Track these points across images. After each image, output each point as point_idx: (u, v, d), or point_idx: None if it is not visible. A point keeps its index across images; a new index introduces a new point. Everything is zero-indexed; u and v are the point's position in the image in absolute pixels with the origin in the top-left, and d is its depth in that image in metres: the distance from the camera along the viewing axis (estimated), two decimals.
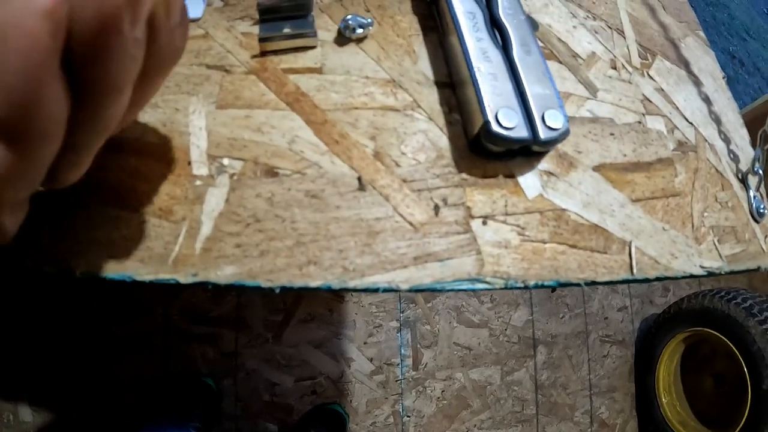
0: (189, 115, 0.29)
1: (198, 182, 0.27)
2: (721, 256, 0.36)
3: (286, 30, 0.31)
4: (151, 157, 0.28)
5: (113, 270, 0.25)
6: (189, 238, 0.26)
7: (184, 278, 0.25)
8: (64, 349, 0.91)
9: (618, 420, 1.08)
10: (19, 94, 0.10)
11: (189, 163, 0.28)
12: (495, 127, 0.26)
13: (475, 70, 0.28)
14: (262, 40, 0.30)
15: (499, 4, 0.32)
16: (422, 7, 0.35)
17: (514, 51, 0.30)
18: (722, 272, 0.36)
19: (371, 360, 1.01)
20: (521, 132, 0.27)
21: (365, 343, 1.01)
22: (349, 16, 0.32)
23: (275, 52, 0.31)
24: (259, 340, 0.97)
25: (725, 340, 0.94)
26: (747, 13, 1.80)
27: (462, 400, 1.03)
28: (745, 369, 0.90)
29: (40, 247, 0.25)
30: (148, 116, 0.29)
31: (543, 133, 0.27)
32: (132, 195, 0.27)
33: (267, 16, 0.31)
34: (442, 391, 1.02)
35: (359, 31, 0.31)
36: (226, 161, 0.28)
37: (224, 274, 0.25)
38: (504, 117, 0.26)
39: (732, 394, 0.98)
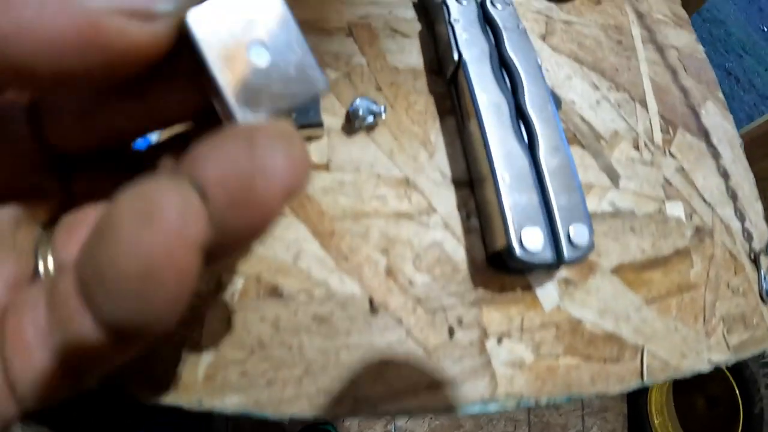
0: None
1: (196, 302, 0.25)
2: (728, 347, 0.35)
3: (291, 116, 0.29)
4: None
5: (115, 392, 0.24)
6: (191, 365, 0.24)
7: (189, 405, 0.23)
8: None
9: None
10: (155, 316, 0.10)
11: None
12: (519, 252, 0.25)
13: (500, 179, 0.26)
14: None
15: (525, 91, 0.30)
16: (439, 85, 0.33)
17: (541, 151, 0.28)
18: (728, 364, 0.35)
19: None
20: (546, 255, 0.25)
21: None
22: (358, 101, 0.29)
23: None
24: None
25: None
26: (743, 30, 1.78)
27: (454, 420, 1.04)
28: (738, 392, 0.91)
29: None
30: None
31: (568, 253, 0.26)
32: None
33: None
34: None
35: (370, 119, 0.29)
36: (224, 277, 0.26)
37: (230, 402, 0.23)
38: (528, 239, 0.25)
39: (724, 417, 0.99)
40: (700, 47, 0.49)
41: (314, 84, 0.13)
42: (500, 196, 0.26)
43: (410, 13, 0.35)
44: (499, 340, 0.27)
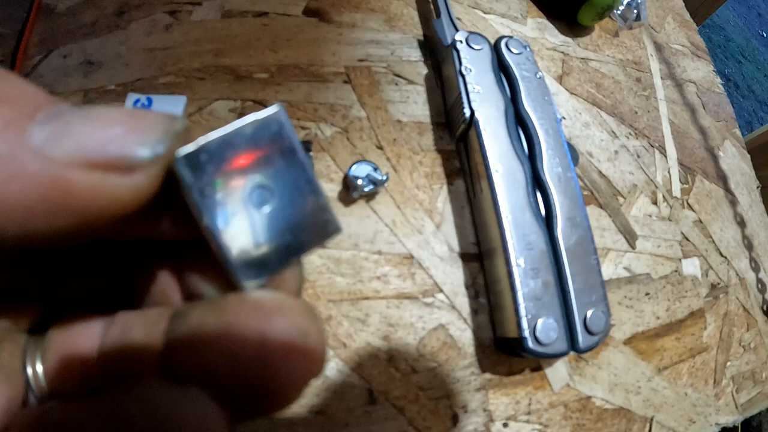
0: None
1: None
2: (737, 407, 0.34)
3: None
4: None
5: None
6: None
7: None
8: None
9: None
10: None
11: None
12: (532, 345, 0.23)
13: (512, 262, 0.24)
14: None
15: (544, 157, 0.27)
16: (447, 141, 0.30)
17: (558, 227, 0.26)
18: (735, 425, 0.34)
19: None
20: (560, 346, 0.23)
21: None
22: (355, 167, 0.26)
23: None
24: None
25: None
26: (743, 36, 1.75)
27: None
28: None
29: None
30: None
31: (583, 342, 0.24)
32: None
33: None
34: None
35: (370, 188, 0.26)
36: None
37: None
38: (542, 332, 0.23)
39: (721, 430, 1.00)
40: (718, 80, 0.46)
41: (326, 230, 0.11)
42: (513, 280, 0.24)
43: (415, 53, 0.32)
44: (505, 424, 0.25)
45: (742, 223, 0.40)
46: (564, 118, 0.34)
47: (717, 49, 1.67)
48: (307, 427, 0.23)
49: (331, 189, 0.26)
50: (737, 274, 0.37)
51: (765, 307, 0.38)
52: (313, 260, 0.25)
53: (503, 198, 0.25)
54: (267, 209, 0.10)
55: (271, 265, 0.10)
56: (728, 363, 0.34)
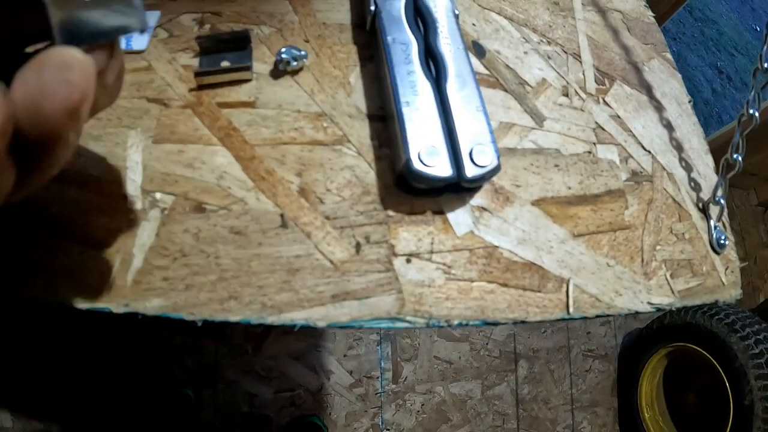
0: (127, 149, 0.29)
1: (131, 216, 0.27)
2: (673, 291, 0.34)
3: (225, 63, 0.30)
4: (90, 189, 0.28)
5: (53, 297, 0.25)
6: (122, 270, 0.26)
7: (116, 308, 0.25)
8: (43, 357, 0.91)
9: None
10: None
11: (125, 197, 0.27)
12: (417, 165, 0.25)
13: (402, 104, 0.27)
14: (197, 74, 0.29)
15: (438, 34, 0.31)
16: (363, 36, 0.34)
17: (448, 83, 0.29)
18: (673, 308, 0.34)
19: (351, 373, 1.00)
20: (444, 170, 0.26)
21: (345, 355, 1.00)
22: (283, 49, 0.31)
23: (212, 86, 0.30)
24: (238, 351, 0.96)
25: (708, 355, 0.93)
26: (735, 29, 1.79)
27: (442, 413, 1.02)
28: (728, 384, 0.89)
29: None
30: (89, 149, 0.29)
31: (469, 171, 0.26)
32: (71, 226, 0.27)
33: (206, 49, 0.31)
34: (422, 405, 1.01)
35: (294, 63, 0.30)
36: (158, 196, 0.27)
37: (152, 306, 0.25)
38: (427, 155, 0.25)
39: (714, 409, 0.97)
40: (650, 13, 0.49)
41: (130, 20, 0.16)
42: (402, 119, 0.26)
43: None
44: (408, 260, 0.27)
45: (669, 127, 0.41)
46: (474, 24, 0.38)
47: (710, 42, 1.70)
48: (226, 244, 0.26)
49: (264, 68, 0.31)
50: (663, 168, 0.38)
51: (701, 205, 0.39)
52: (244, 117, 0.29)
53: (396, 61, 0.29)
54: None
55: (85, 38, 0.15)
56: (658, 247, 0.35)
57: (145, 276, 0.25)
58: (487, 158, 0.26)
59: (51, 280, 0.25)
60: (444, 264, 0.27)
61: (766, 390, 0.83)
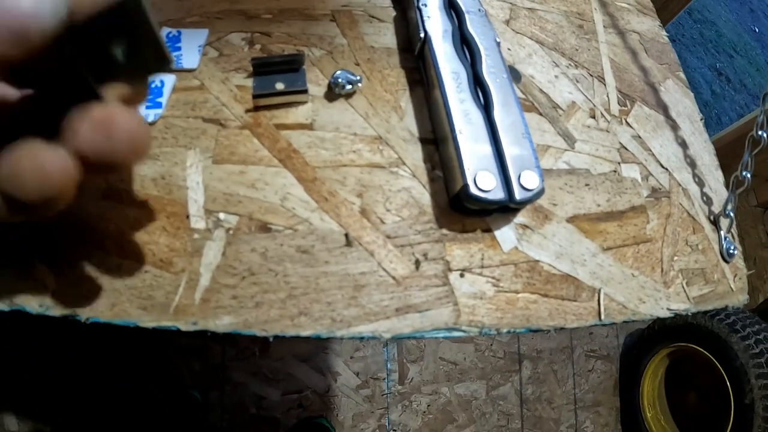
0: (186, 168, 0.31)
1: (196, 236, 0.29)
2: (688, 298, 0.39)
3: (279, 85, 0.33)
4: (150, 209, 0.30)
5: (117, 316, 0.27)
6: (188, 289, 0.28)
7: (184, 326, 0.27)
8: (49, 359, 0.93)
9: None
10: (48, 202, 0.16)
11: (187, 217, 0.30)
12: (473, 190, 0.29)
13: (457, 132, 0.30)
14: (255, 96, 0.33)
15: (483, 63, 0.34)
16: (410, 61, 0.37)
17: (495, 111, 0.32)
18: (689, 313, 0.39)
19: (357, 374, 1.04)
20: (498, 194, 0.29)
21: (352, 357, 1.04)
22: (338, 72, 0.34)
23: (268, 107, 0.33)
24: (246, 353, 0.99)
25: (709, 355, 0.98)
26: (734, 31, 1.86)
27: (447, 414, 1.06)
28: (728, 384, 0.94)
29: (44, 293, 0.27)
30: (147, 169, 0.31)
31: (519, 194, 0.30)
32: (133, 245, 0.29)
33: (260, 70, 0.34)
34: (428, 406, 1.06)
35: (348, 87, 0.34)
36: (222, 216, 0.30)
37: (222, 323, 0.27)
38: (482, 180, 0.29)
39: (715, 409, 1.02)
40: (664, 33, 0.54)
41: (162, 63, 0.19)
42: (458, 146, 0.30)
43: (386, 2, 0.40)
44: (462, 274, 0.31)
45: (683, 145, 0.46)
46: (509, 49, 0.42)
47: (709, 44, 1.77)
48: (294, 262, 0.29)
49: (318, 90, 0.34)
50: (679, 184, 0.43)
51: (712, 218, 0.44)
52: (303, 139, 0.32)
53: (451, 92, 0.32)
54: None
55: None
56: (675, 257, 0.39)
57: (213, 294, 0.28)
58: (533, 182, 0.30)
59: (115, 300, 0.27)
60: (493, 277, 0.31)
61: (766, 389, 0.88)
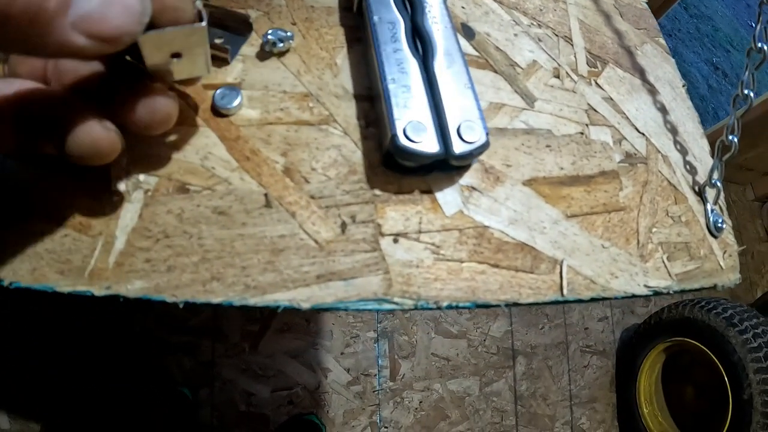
0: None
1: (115, 198, 0.26)
2: (670, 274, 0.33)
3: (218, 40, 0.30)
4: (73, 172, 0.27)
5: (37, 281, 0.25)
6: (104, 252, 0.25)
7: (98, 291, 0.24)
8: (40, 358, 0.90)
9: (599, 430, 1.05)
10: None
11: (109, 179, 0.26)
12: (403, 141, 0.24)
13: (388, 81, 0.26)
14: None
15: (426, 13, 0.30)
16: (350, 19, 0.33)
17: (435, 62, 0.28)
18: (671, 292, 0.33)
19: (348, 370, 0.98)
20: (431, 146, 0.25)
21: (342, 353, 0.99)
22: (270, 31, 0.30)
23: None
24: (236, 349, 0.94)
25: (706, 350, 0.92)
26: (731, 25, 1.79)
27: (440, 411, 1.00)
28: (726, 378, 0.88)
29: None
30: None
31: (457, 147, 0.25)
32: (54, 209, 0.26)
33: (211, 19, 0.30)
34: (420, 402, 1.00)
35: (280, 45, 0.30)
36: (142, 177, 0.26)
37: (133, 288, 0.24)
38: (413, 131, 0.24)
39: (713, 404, 0.96)
40: (643, 0, 0.49)
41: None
42: (388, 96, 0.26)
43: None
44: (395, 240, 0.26)
45: (663, 110, 0.41)
46: (463, 7, 0.37)
47: (705, 38, 1.70)
48: (209, 224, 0.25)
49: (250, 50, 0.30)
50: (658, 151, 0.37)
51: (696, 188, 0.38)
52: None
53: (382, 40, 0.28)
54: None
55: None
56: (654, 229, 0.34)
57: (127, 258, 0.25)
58: (475, 135, 0.26)
59: (36, 265, 0.25)
60: (432, 244, 0.26)
61: (764, 383, 0.82)
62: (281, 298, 0.24)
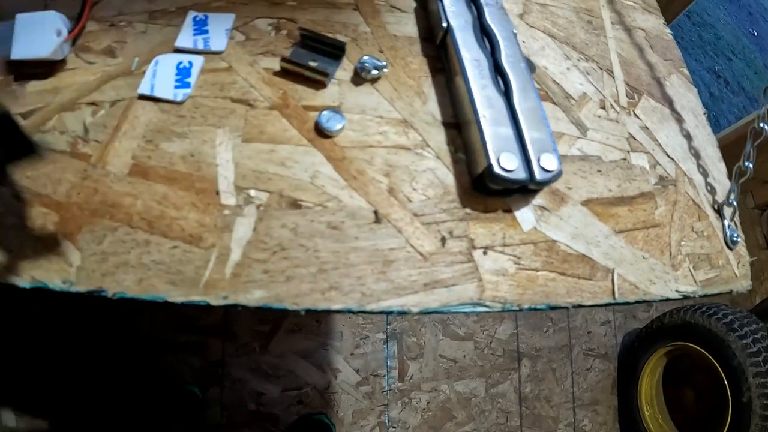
0: (216, 146, 0.33)
1: (226, 212, 0.31)
2: (695, 281, 0.41)
3: (312, 63, 0.35)
4: (179, 185, 0.32)
5: (145, 291, 0.28)
6: (219, 264, 0.29)
7: (214, 300, 0.28)
8: (49, 356, 0.93)
9: None
10: None
11: (217, 193, 0.31)
12: (497, 170, 0.31)
13: (481, 117, 0.33)
14: (286, 60, 0.34)
15: (502, 52, 0.36)
16: (430, 49, 0.39)
17: (515, 97, 0.34)
18: (696, 296, 0.41)
19: (358, 371, 1.05)
20: (520, 174, 0.31)
21: (352, 354, 1.05)
22: (365, 58, 0.36)
23: (289, 74, 0.35)
24: (246, 349, 1.00)
25: (706, 354, 1.00)
26: (733, 34, 1.92)
27: (447, 411, 1.08)
28: (726, 382, 0.96)
29: (68, 269, 0.28)
30: (176, 146, 0.33)
31: (539, 175, 0.32)
32: (161, 221, 0.30)
33: (305, 42, 0.36)
34: (428, 403, 1.07)
35: (374, 72, 0.36)
36: (252, 193, 0.32)
37: (253, 297, 0.29)
38: (505, 160, 0.31)
39: (713, 407, 1.05)
40: (668, 31, 0.57)
41: None
42: (482, 129, 0.32)
43: None
44: (485, 252, 0.33)
45: (688, 136, 0.48)
46: (523, 42, 0.44)
47: (707, 46, 1.81)
48: (325, 238, 0.31)
49: (345, 75, 0.36)
50: (685, 174, 0.45)
51: (716, 206, 0.46)
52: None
53: (471, 77, 0.34)
54: None
55: None
56: (682, 242, 0.42)
57: (244, 269, 0.29)
58: (552, 164, 0.32)
59: (142, 276, 0.28)
60: (514, 255, 0.33)
61: (763, 387, 0.91)
62: (394, 304, 0.30)
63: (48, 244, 0.29)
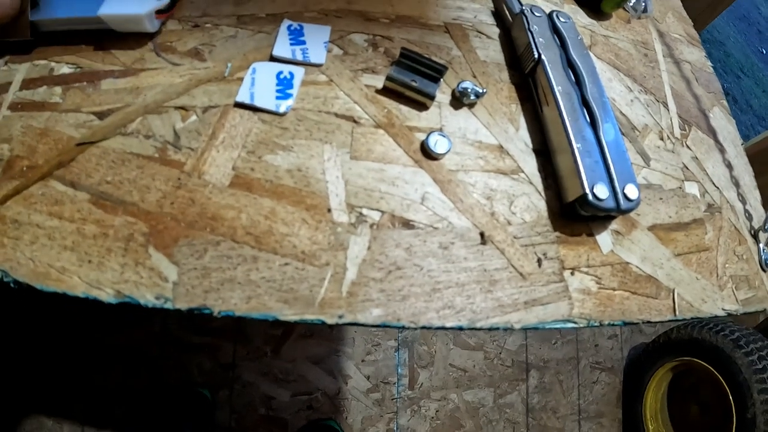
0: (324, 162, 0.37)
1: (339, 229, 0.34)
2: (737, 300, 0.48)
3: (414, 82, 0.40)
4: (287, 200, 0.34)
5: (255, 310, 0.29)
6: (334, 283, 0.31)
7: (330, 319, 0.30)
8: (57, 358, 0.95)
9: None
10: None
11: (329, 211, 0.34)
12: (591, 199, 0.37)
13: (575, 147, 0.38)
14: (391, 78, 0.39)
15: (587, 85, 0.42)
16: (518, 78, 0.45)
17: (601, 131, 0.40)
18: (738, 314, 0.48)
19: (368, 378, 1.10)
20: (609, 203, 0.37)
21: (363, 360, 1.11)
22: (466, 83, 0.41)
23: (390, 93, 0.40)
24: (257, 353, 1.04)
25: (712, 370, 1.09)
26: (742, 52, 2.04)
27: (455, 420, 1.14)
28: (731, 398, 1.05)
29: (161, 284, 0.29)
30: (281, 159, 0.36)
31: (624, 204, 0.38)
32: (269, 237, 0.32)
33: (404, 61, 0.39)
34: (437, 411, 1.13)
35: (473, 98, 0.41)
36: (365, 211, 0.36)
37: (372, 316, 0.31)
38: (599, 190, 0.37)
39: (717, 423, 1.14)
40: (709, 63, 0.64)
41: None
42: (576, 160, 0.38)
43: (490, 20, 0.48)
44: (572, 272, 0.39)
45: (729, 167, 0.56)
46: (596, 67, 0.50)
47: (717, 64, 1.92)
48: (437, 258, 0.36)
49: (444, 98, 0.42)
50: (728, 201, 0.52)
51: (752, 232, 0.53)
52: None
53: (564, 108, 0.40)
54: None
55: None
56: (726, 265, 0.49)
57: (360, 288, 0.32)
58: (634, 194, 0.39)
59: (251, 293, 0.29)
60: (596, 276, 0.39)
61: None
62: (500, 321, 0.35)
63: (135, 257, 0.30)
